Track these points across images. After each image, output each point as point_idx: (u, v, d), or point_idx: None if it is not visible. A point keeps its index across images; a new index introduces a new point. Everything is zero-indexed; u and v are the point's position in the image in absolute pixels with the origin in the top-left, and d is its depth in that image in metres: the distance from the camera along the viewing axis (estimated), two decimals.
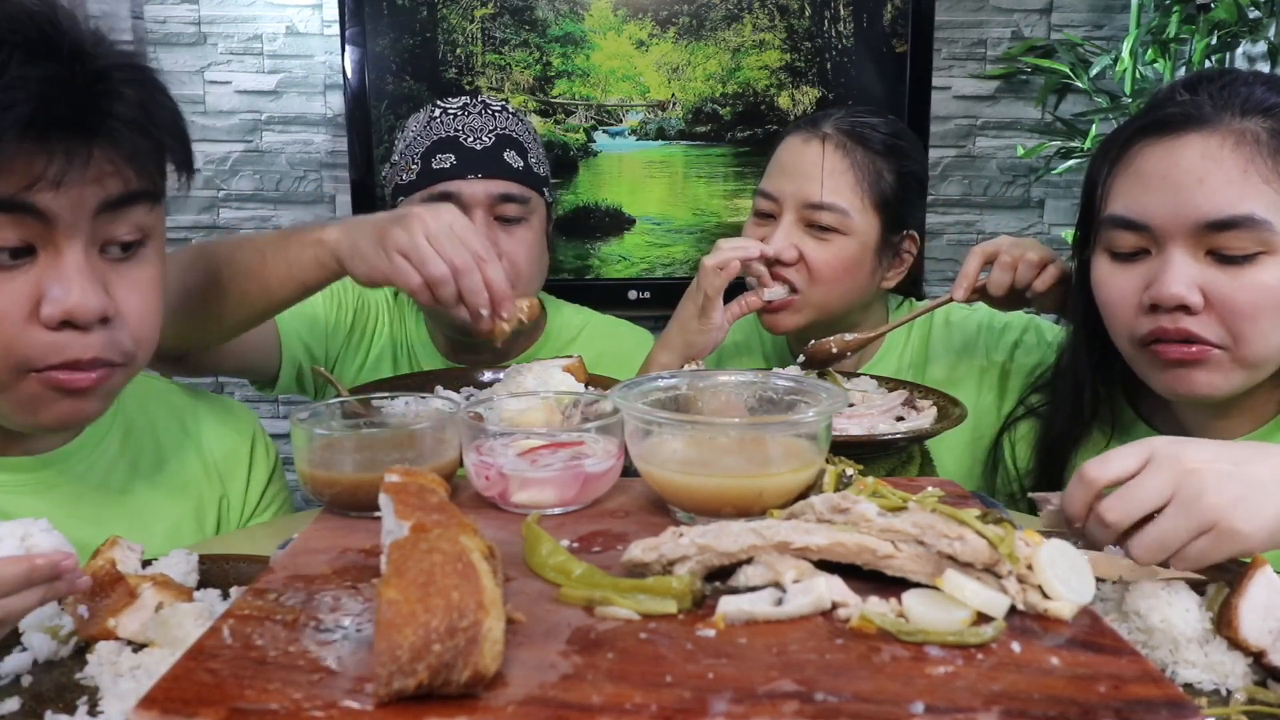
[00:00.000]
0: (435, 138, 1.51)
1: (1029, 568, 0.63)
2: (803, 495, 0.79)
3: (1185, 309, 1.05)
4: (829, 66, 2.57)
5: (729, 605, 0.62)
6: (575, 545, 0.76)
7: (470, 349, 1.58)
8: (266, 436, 1.25)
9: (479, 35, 2.54)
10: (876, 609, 0.62)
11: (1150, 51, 2.33)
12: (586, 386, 1.20)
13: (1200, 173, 1.05)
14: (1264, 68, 2.28)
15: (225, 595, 0.81)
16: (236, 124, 2.60)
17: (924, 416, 1.18)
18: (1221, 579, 0.76)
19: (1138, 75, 2.31)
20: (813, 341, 1.42)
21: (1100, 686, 0.54)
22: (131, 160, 0.89)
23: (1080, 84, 2.46)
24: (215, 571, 0.85)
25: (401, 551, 0.57)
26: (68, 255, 0.87)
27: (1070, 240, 1.31)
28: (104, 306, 0.88)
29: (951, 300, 1.36)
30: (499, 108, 1.56)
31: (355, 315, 1.64)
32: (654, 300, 2.61)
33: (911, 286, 1.65)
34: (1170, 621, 0.71)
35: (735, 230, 2.65)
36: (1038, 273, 1.31)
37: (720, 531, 0.68)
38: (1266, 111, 1.06)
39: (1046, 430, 1.31)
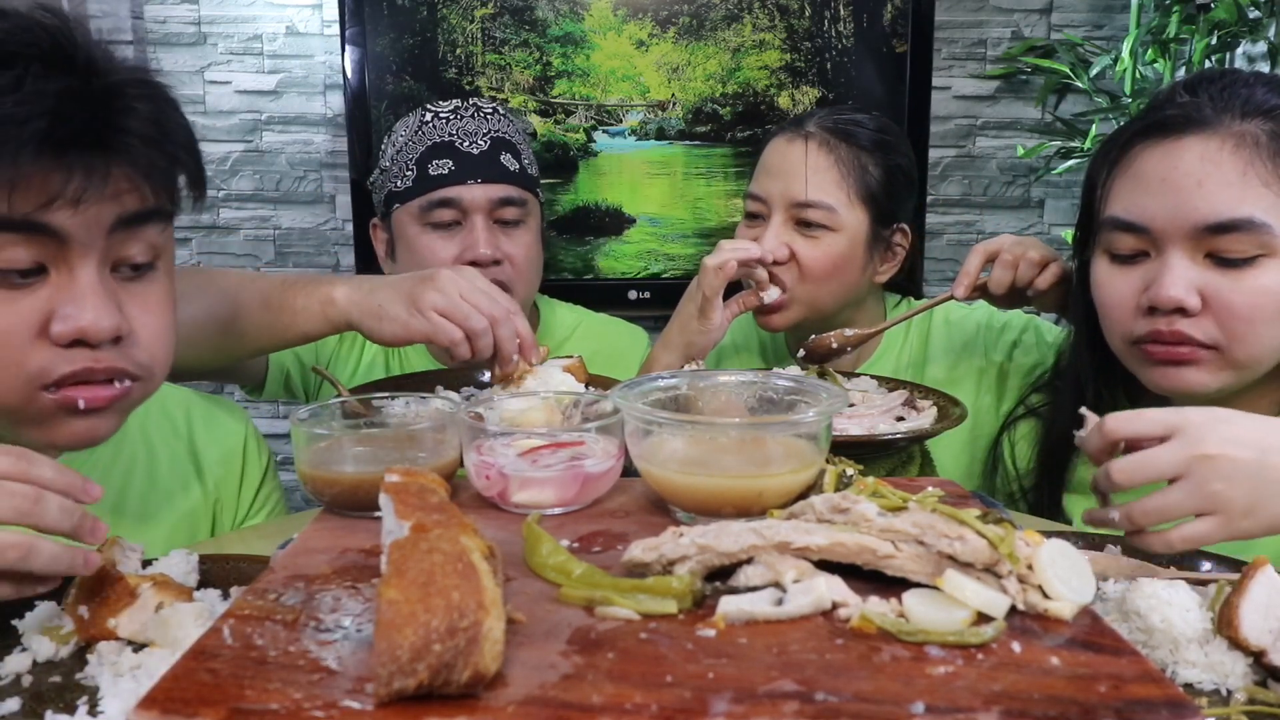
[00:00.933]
0: (430, 143, 1.50)
1: (1029, 568, 0.63)
2: (803, 495, 0.79)
3: (1182, 311, 1.06)
4: (829, 66, 2.57)
5: (729, 605, 0.62)
6: (575, 545, 0.76)
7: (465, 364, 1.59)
8: (259, 436, 1.25)
9: (479, 35, 2.54)
10: (877, 609, 0.62)
11: (1150, 51, 2.33)
12: (587, 386, 1.20)
13: (1199, 175, 1.05)
14: (1264, 68, 2.28)
15: (225, 595, 0.81)
16: (236, 124, 2.60)
17: (924, 416, 1.18)
18: (1222, 578, 0.76)
19: (1138, 75, 2.31)
20: (813, 337, 1.43)
21: (1100, 686, 0.54)
22: (148, 177, 0.87)
23: (1080, 84, 2.46)
24: (215, 571, 0.85)
25: (402, 551, 0.57)
26: (81, 274, 0.85)
27: (1070, 240, 1.31)
28: (117, 326, 0.86)
29: (952, 298, 1.36)
30: (490, 109, 1.56)
31: None
32: (654, 300, 2.61)
33: (910, 285, 1.65)
34: (1170, 621, 0.71)
35: (734, 231, 2.67)
36: (1039, 271, 1.31)
37: (720, 531, 0.68)
38: (1267, 113, 1.06)
39: (1047, 431, 1.31)
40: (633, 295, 2.63)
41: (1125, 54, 2.31)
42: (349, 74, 2.48)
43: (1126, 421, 0.79)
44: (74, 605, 0.74)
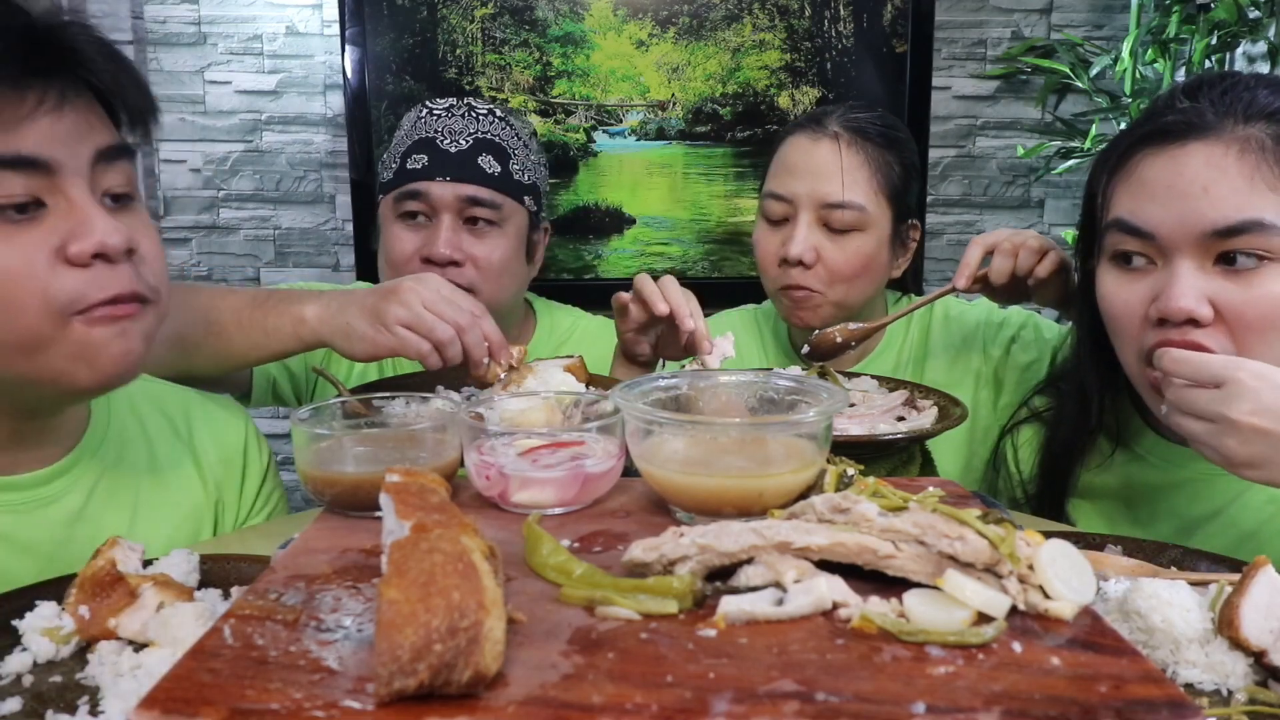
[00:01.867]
0: (415, 138, 1.51)
1: (1030, 568, 0.63)
2: (803, 495, 0.79)
3: (1194, 322, 1.03)
4: (829, 66, 2.58)
5: (730, 605, 0.62)
6: (576, 545, 0.76)
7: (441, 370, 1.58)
8: (259, 435, 1.25)
9: (479, 35, 2.54)
10: (877, 609, 0.62)
11: (1150, 51, 2.33)
12: (587, 386, 1.20)
13: (1205, 181, 1.03)
14: (1264, 68, 2.28)
15: (226, 595, 0.81)
16: (236, 124, 2.60)
17: (924, 416, 1.18)
18: (1223, 578, 0.76)
19: (1138, 75, 2.31)
20: (816, 332, 1.43)
21: (1101, 687, 0.54)
22: (109, 112, 0.94)
23: (1080, 84, 2.46)
24: (216, 571, 0.85)
25: (402, 551, 0.57)
26: (78, 199, 0.88)
27: (1070, 240, 1.31)
28: (128, 238, 0.90)
29: (954, 290, 1.36)
30: (485, 110, 1.55)
31: None
32: None
33: (912, 283, 1.66)
34: (1171, 621, 0.71)
35: (738, 231, 2.67)
36: (1039, 259, 1.31)
37: (721, 531, 0.68)
38: (1270, 116, 1.04)
39: (1051, 438, 1.30)
40: None
41: (1125, 54, 2.31)
42: (349, 74, 2.48)
43: (1184, 362, 0.95)
44: (74, 605, 0.74)
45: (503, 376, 1.20)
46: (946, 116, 2.65)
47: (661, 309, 1.27)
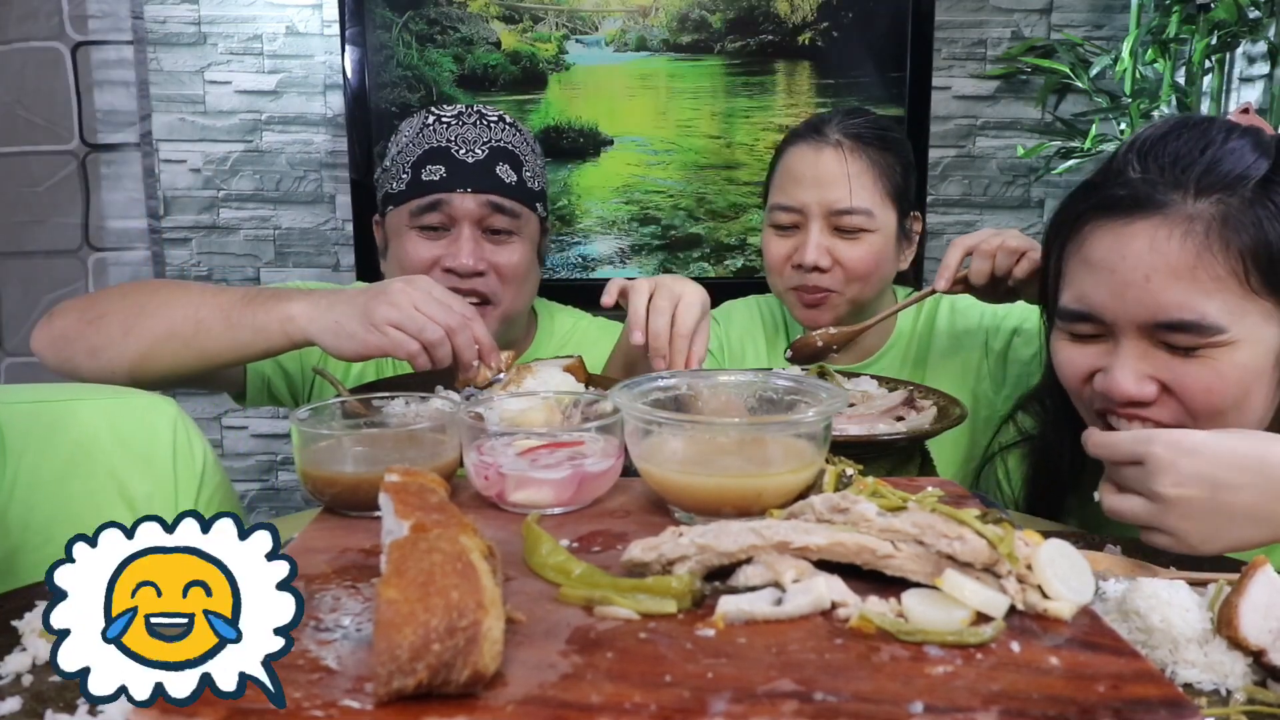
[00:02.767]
0: (426, 147, 1.50)
1: (1028, 567, 0.63)
2: (803, 495, 0.79)
3: (1139, 402, 1.02)
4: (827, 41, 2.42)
5: (728, 605, 0.62)
6: (575, 545, 0.76)
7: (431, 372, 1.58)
8: (190, 430, 1.11)
9: None
10: (876, 609, 0.62)
11: (1150, 51, 2.33)
12: (587, 386, 1.20)
13: (1147, 268, 1.00)
14: (1264, 68, 2.28)
15: None
16: (236, 124, 2.60)
17: (924, 416, 1.18)
18: (1222, 578, 0.76)
19: (1138, 75, 2.31)
20: (798, 337, 1.46)
21: (1100, 686, 0.54)
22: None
23: (1080, 84, 2.46)
24: None
25: (401, 551, 0.57)
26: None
27: None
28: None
29: (934, 292, 1.38)
30: (495, 118, 1.55)
31: None
32: None
33: (913, 279, 1.71)
34: (1170, 621, 0.71)
35: (734, 155, 2.46)
36: (1017, 260, 1.31)
37: (720, 531, 0.68)
38: (1226, 187, 0.99)
39: (1036, 471, 1.30)
40: None
41: (1125, 54, 2.30)
42: (349, 74, 2.48)
43: (1102, 445, 0.92)
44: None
45: (491, 380, 1.20)
46: (946, 116, 2.65)
47: (636, 340, 1.23)
